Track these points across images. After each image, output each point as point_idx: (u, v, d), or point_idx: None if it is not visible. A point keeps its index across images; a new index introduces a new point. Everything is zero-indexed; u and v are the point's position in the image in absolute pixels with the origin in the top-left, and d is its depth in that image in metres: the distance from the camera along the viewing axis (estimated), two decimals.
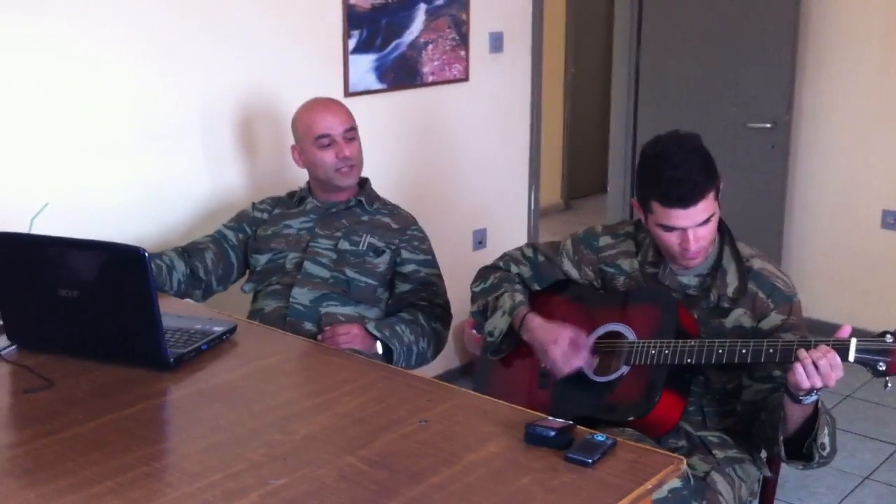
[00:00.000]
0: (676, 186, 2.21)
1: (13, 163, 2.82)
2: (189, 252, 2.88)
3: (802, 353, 1.96)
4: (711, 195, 2.22)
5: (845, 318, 2.30)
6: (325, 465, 1.70)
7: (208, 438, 1.81)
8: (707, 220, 2.23)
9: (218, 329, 2.29)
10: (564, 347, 2.33)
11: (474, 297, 2.61)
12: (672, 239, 2.26)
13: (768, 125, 4.63)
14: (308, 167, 2.90)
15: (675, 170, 2.21)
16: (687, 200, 2.20)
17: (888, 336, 1.96)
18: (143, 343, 2.10)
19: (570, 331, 2.34)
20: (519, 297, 2.48)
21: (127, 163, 3.05)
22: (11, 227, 2.39)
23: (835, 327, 2.01)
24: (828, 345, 1.97)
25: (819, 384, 1.93)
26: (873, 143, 4.54)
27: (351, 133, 2.87)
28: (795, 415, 2.06)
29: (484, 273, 2.64)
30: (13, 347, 2.21)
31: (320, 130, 2.84)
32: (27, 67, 2.79)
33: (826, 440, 2.09)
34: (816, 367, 1.94)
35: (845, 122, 4.60)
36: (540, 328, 2.39)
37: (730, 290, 2.29)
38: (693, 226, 2.22)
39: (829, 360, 1.93)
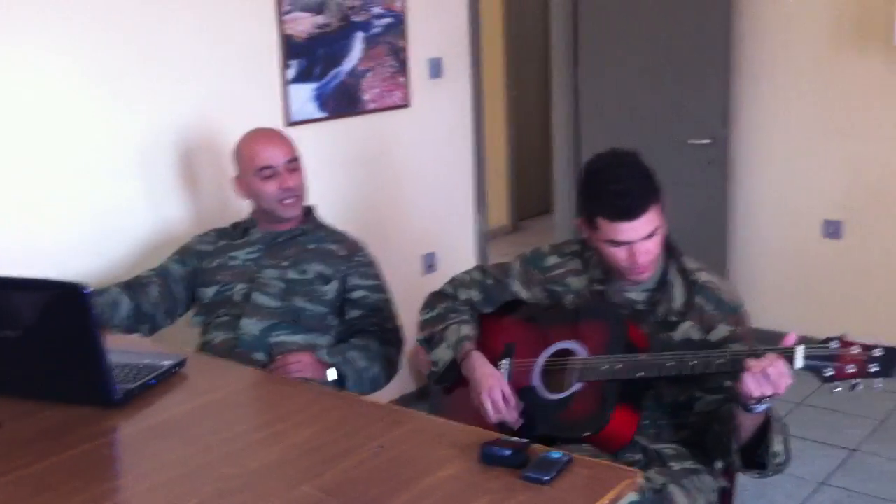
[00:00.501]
0: (621, 199, 2.23)
1: None
2: (133, 287, 2.84)
3: (750, 362, 1.98)
4: (655, 208, 2.24)
5: (791, 326, 2.32)
6: (280, 496, 1.68)
7: (159, 475, 1.78)
8: (652, 234, 2.24)
9: (167, 363, 2.26)
10: (497, 399, 2.34)
11: (422, 325, 2.61)
12: (620, 254, 2.28)
13: (707, 141, 4.69)
14: (252, 198, 2.88)
15: (617, 183, 2.23)
16: (632, 213, 2.22)
17: (833, 342, 1.99)
18: (90, 381, 2.06)
19: (504, 386, 2.36)
20: (465, 329, 2.48)
21: (68, 198, 3.01)
22: None
23: (781, 335, 2.03)
24: (775, 353, 1.99)
25: (769, 391, 1.95)
26: (811, 154, 4.62)
27: (293, 164, 2.85)
28: (747, 424, 2.08)
29: (432, 300, 2.63)
30: None
31: (263, 162, 2.82)
32: None
33: (779, 448, 2.11)
34: (766, 375, 1.96)
35: (783, 135, 4.69)
36: (478, 370, 2.40)
37: (677, 304, 2.31)
38: (639, 238, 2.24)
39: (777, 367, 1.95)
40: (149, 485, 1.74)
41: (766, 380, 1.95)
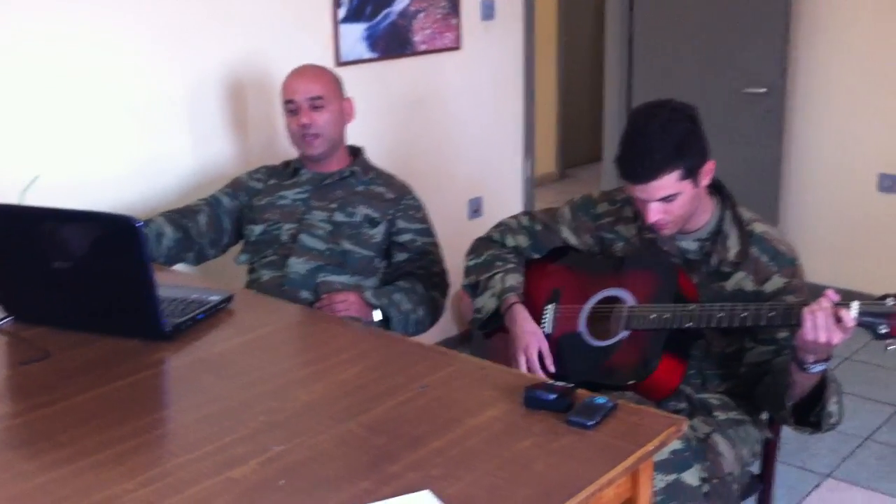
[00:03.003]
0: (629, 161, 2.18)
1: (4, 136, 2.79)
2: (182, 214, 2.85)
3: (811, 306, 1.94)
4: (673, 175, 2.15)
5: (843, 282, 2.29)
6: (324, 431, 1.69)
7: (207, 407, 1.80)
8: (668, 198, 2.18)
9: (214, 298, 2.27)
10: (531, 357, 2.35)
11: (467, 271, 2.60)
12: (638, 206, 2.25)
13: (763, 90, 4.60)
14: (291, 141, 2.88)
15: (633, 143, 2.18)
16: (638, 177, 2.17)
17: (889, 299, 1.95)
18: (139, 313, 2.08)
19: (539, 345, 2.35)
20: (510, 280, 2.47)
21: (118, 134, 3.03)
22: (3, 199, 2.37)
23: (836, 292, 1.98)
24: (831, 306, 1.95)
25: (824, 338, 1.91)
26: (869, 106, 4.52)
27: (318, 102, 2.78)
28: (803, 383, 2.05)
29: (478, 246, 2.62)
30: (9, 319, 2.20)
31: (286, 95, 2.81)
32: (16, 42, 2.76)
33: (834, 408, 2.08)
34: (825, 319, 1.91)
35: (840, 86, 4.58)
36: (519, 325, 2.39)
37: (731, 255, 2.27)
38: (649, 200, 2.19)
39: (837, 311, 1.91)
40: (196, 416, 1.76)
41: (825, 324, 1.91)
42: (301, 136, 2.79)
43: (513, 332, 2.40)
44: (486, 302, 2.49)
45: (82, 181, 2.94)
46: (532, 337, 2.37)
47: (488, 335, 2.55)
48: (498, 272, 2.49)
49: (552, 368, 2.35)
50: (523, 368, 2.34)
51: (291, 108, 2.79)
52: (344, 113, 2.87)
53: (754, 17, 4.58)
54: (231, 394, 1.85)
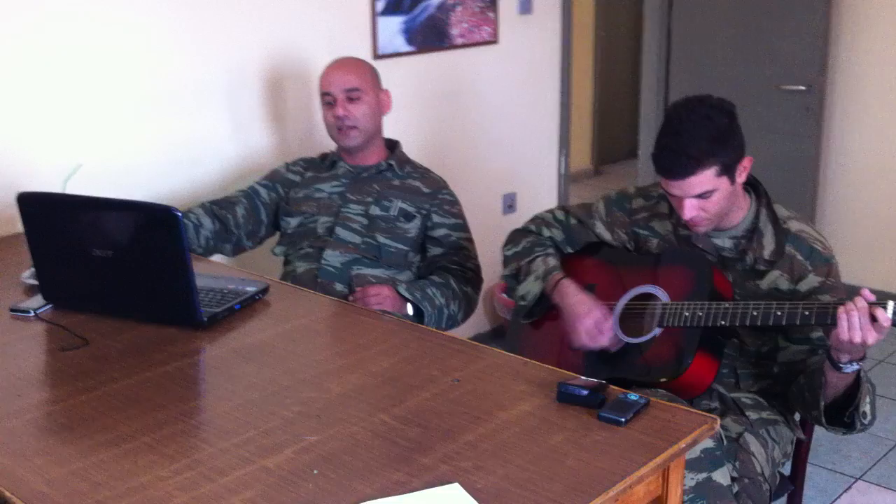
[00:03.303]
0: (664, 156, 2.17)
1: (47, 124, 2.84)
2: (221, 205, 2.88)
3: (847, 305, 1.93)
4: (709, 171, 2.14)
5: (879, 282, 2.27)
6: (359, 422, 1.70)
7: (242, 396, 1.82)
8: (704, 195, 2.17)
9: (251, 289, 2.30)
10: (590, 326, 2.32)
11: (506, 261, 2.60)
12: (673, 202, 2.24)
13: (802, 87, 4.56)
14: (328, 132, 2.90)
15: (670, 139, 2.17)
16: (674, 173, 2.16)
17: None
18: (177, 302, 2.11)
19: (599, 310, 2.33)
20: (552, 261, 2.47)
21: (159, 123, 3.06)
22: (46, 188, 2.40)
23: (874, 293, 1.98)
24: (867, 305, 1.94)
25: (858, 338, 1.91)
26: None
27: (354, 93, 2.79)
28: (836, 383, 2.04)
29: (515, 236, 2.63)
30: (49, 307, 2.23)
31: (323, 87, 2.83)
32: (59, 31, 2.80)
33: (867, 408, 2.07)
34: (861, 319, 1.90)
35: (880, 84, 4.53)
36: (573, 297, 2.37)
37: (766, 253, 2.26)
38: (685, 196, 2.18)
39: (873, 310, 1.90)
40: (232, 404, 1.78)
41: (859, 324, 1.90)
42: (337, 127, 2.80)
43: (567, 306, 2.38)
44: (531, 286, 2.48)
45: (124, 170, 2.98)
46: (588, 306, 2.34)
47: (536, 324, 2.54)
48: (538, 255, 2.49)
49: (611, 336, 2.33)
50: (585, 337, 2.32)
51: (328, 99, 2.81)
52: (381, 105, 2.88)
53: (794, 13, 4.54)
54: (266, 384, 1.87)
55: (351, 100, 2.79)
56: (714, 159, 2.14)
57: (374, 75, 2.89)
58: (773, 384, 2.29)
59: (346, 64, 2.87)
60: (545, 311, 2.49)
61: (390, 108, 2.93)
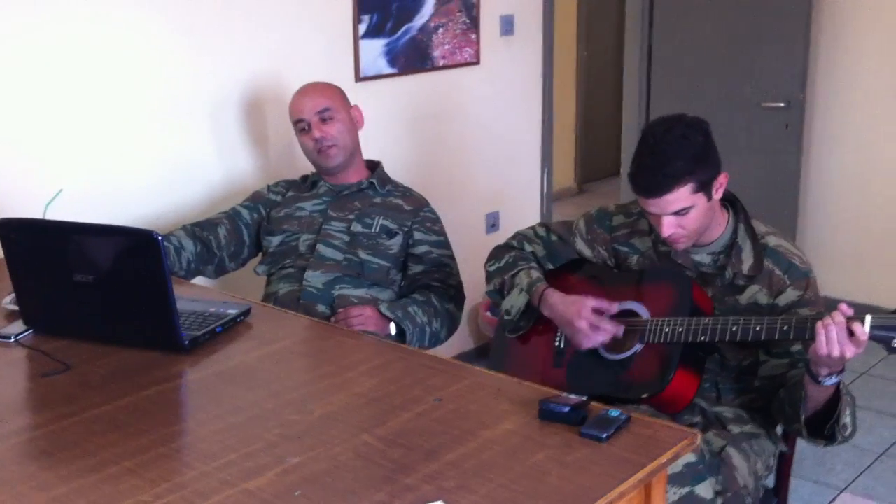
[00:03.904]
0: (642, 175, 2.19)
1: (27, 149, 2.84)
2: (202, 227, 2.89)
3: (825, 320, 1.94)
4: (686, 188, 2.16)
5: (860, 295, 2.29)
6: (341, 443, 1.70)
7: (225, 419, 1.82)
8: (681, 212, 2.19)
9: (232, 311, 2.30)
10: (590, 319, 2.31)
11: (489, 277, 2.61)
12: (652, 220, 2.26)
13: (782, 104, 4.60)
14: (308, 158, 2.91)
15: (646, 157, 2.19)
16: (651, 191, 2.18)
17: None
18: (159, 326, 2.10)
19: (592, 301, 2.33)
20: (535, 273, 2.48)
21: (139, 147, 3.07)
22: (26, 214, 2.40)
23: (850, 306, 1.99)
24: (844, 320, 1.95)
25: (837, 353, 1.92)
26: (889, 120, 4.51)
27: (326, 113, 2.82)
28: (817, 396, 2.06)
29: (498, 252, 2.64)
30: (29, 332, 2.22)
31: (295, 116, 2.86)
32: (40, 53, 2.80)
33: (848, 420, 2.09)
34: (838, 334, 1.92)
35: (860, 100, 4.58)
36: (561, 303, 2.38)
37: (745, 268, 2.28)
38: (663, 213, 2.20)
39: (850, 326, 1.92)
40: (216, 427, 1.78)
41: (837, 339, 1.92)
42: (317, 150, 2.82)
43: (557, 313, 2.38)
44: (516, 300, 2.48)
45: (105, 195, 2.98)
46: (579, 304, 2.33)
47: (518, 339, 2.54)
48: (521, 269, 2.50)
49: (614, 310, 2.32)
50: (587, 334, 2.30)
51: (302, 126, 2.84)
52: (354, 121, 2.91)
53: (773, 32, 4.58)
54: (248, 406, 1.87)
55: (324, 120, 2.82)
56: (690, 177, 2.16)
57: (341, 94, 2.92)
58: (754, 398, 2.30)
59: (312, 88, 2.90)
60: (531, 324, 2.50)
61: (363, 124, 2.96)
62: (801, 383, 2.06)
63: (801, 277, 2.25)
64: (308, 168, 3.06)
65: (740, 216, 2.33)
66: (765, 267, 2.26)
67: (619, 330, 2.31)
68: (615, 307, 2.34)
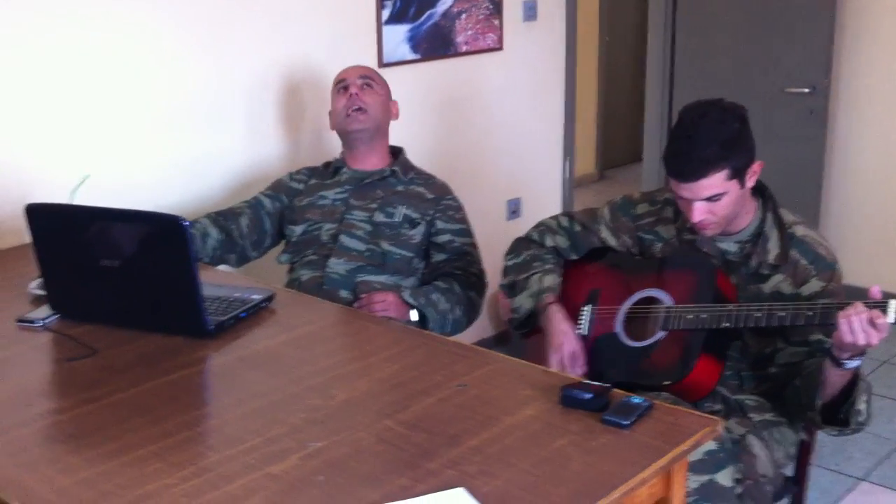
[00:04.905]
0: (677, 159, 2.19)
1: (55, 135, 2.86)
2: (225, 216, 2.90)
3: (846, 310, 1.94)
4: (720, 175, 2.16)
5: (884, 283, 2.27)
6: (364, 428, 1.72)
7: (248, 404, 1.83)
8: (713, 198, 2.19)
9: (256, 297, 2.31)
10: (560, 359, 2.36)
11: (506, 271, 2.62)
12: (684, 206, 2.25)
13: (806, 90, 4.57)
14: (334, 125, 2.93)
15: (682, 142, 2.19)
16: (685, 175, 2.17)
17: None
18: (184, 311, 2.12)
19: (573, 345, 2.37)
20: (547, 280, 2.48)
21: (166, 134, 3.08)
22: (53, 199, 2.42)
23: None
24: (867, 306, 1.95)
25: (862, 341, 1.92)
26: None
27: (367, 81, 2.89)
28: (835, 381, 2.05)
29: (517, 246, 2.64)
30: (56, 317, 2.24)
31: (339, 77, 2.92)
32: (68, 38, 2.82)
33: (863, 406, 2.08)
34: (862, 323, 1.91)
35: (885, 87, 4.53)
36: (553, 326, 2.41)
37: (771, 257, 2.27)
38: (695, 199, 2.19)
39: (872, 315, 1.92)
40: (240, 412, 1.80)
41: (861, 328, 1.91)
42: (346, 111, 2.85)
43: (547, 333, 2.42)
44: (524, 302, 2.50)
45: (132, 181, 3.00)
46: (565, 337, 2.38)
47: (526, 335, 2.56)
48: (536, 272, 2.51)
49: (582, 370, 2.36)
50: (556, 368, 2.35)
51: (342, 85, 2.89)
52: (389, 107, 2.95)
53: (798, 17, 4.54)
54: (272, 391, 1.88)
55: (362, 86, 2.88)
56: (725, 163, 2.16)
57: (386, 83, 2.98)
58: (774, 386, 2.29)
59: (361, 65, 2.99)
60: (534, 326, 2.51)
61: (397, 117, 2.98)
62: (819, 370, 2.06)
63: (827, 269, 2.24)
64: (330, 155, 3.07)
65: (769, 205, 2.32)
66: (790, 257, 2.25)
67: (582, 372, 2.35)
68: (582, 367, 2.37)
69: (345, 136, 2.90)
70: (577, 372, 2.34)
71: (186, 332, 2.14)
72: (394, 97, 2.96)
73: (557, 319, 2.41)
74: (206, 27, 3.11)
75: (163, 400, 1.85)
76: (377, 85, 2.91)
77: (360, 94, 2.85)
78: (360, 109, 2.84)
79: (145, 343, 2.12)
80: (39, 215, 2.19)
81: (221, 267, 2.91)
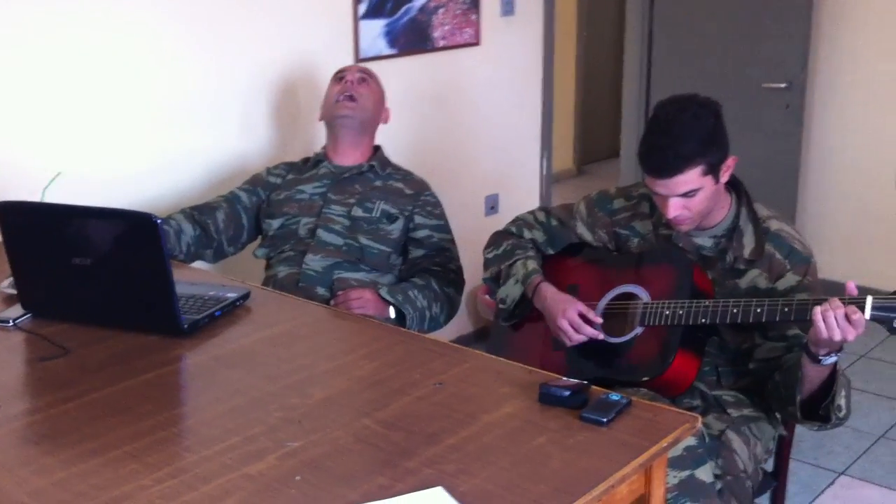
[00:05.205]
0: (651, 155, 2.19)
1: (26, 132, 2.82)
2: (200, 211, 2.88)
3: (823, 306, 1.95)
4: (696, 170, 2.16)
5: (860, 277, 2.28)
6: (342, 427, 1.70)
7: (225, 403, 1.81)
8: (689, 193, 2.19)
9: (231, 295, 2.29)
10: (573, 320, 2.33)
11: (487, 264, 2.61)
12: (658, 201, 2.25)
13: (783, 85, 4.58)
14: (323, 114, 2.93)
15: (657, 137, 2.19)
16: (661, 171, 2.17)
17: None
18: (158, 310, 2.10)
19: (580, 305, 2.34)
20: (532, 264, 2.47)
21: (139, 131, 3.05)
22: (25, 197, 2.39)
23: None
24: (843, 302, 1.96)
25: (838, 337, 1.92)
26: (889, 102, 4.49)
27: (363, 75, 2.93)
28: (813, 376, 2.06)
29: (496, 239, 2.63)
30: (27, 316, 2.21)
31: (339, 69, 2.98)
32: (39, 36, 2.78)
33: (842, 402, 2.09)
34: (838, 319, 1.92)
35: (861, 81, 4.56)
36: (551, 298, 2.39)
37: (746, 252, 2.27)
38: (671, 195, 2.19)
39: (848, 311, 1.92)
40: (213, 413, 1.78)
41: (837, 325, 1.92)
42: (337, 98, 2.87)
43: (546, 308, 2.40)
44: (511, 290, 2.49)
45: (104, 178, 2.96)
46: (567, 302, 2.36)
47: (515, 326, 2.55)
48: (518, 259, 2.50)
49: (598, 321, 2.34)
50: (570, 334, 2.33)
51: (339, 76, 2.93)
52: (381, 108, 2.98)
53: (775, 12, 4.56)
54: (248, 390, 1.86)
55: (359, 80, 2.91)
56: (701, 159, 2.16)
57: (383, 89, 3.02)
58: (753, 382, 2.30)
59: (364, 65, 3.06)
60: (525, 313, 2.50)
61: (387, 122, 3.01)
62: (798, 365, 2.06)
63: (802, 263, 2.24)
64: (304, 152, 3.05)
65: (743, 200, 2.32)
66: (766, 251, 2.26)
67: (598, 335, 2.32)
68: (602, 305, 2.34)
69: (331, 123, 2.89)
70: (595, 324, 2.32)
71: (160, 330, 2.11)
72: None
73: (552, 292, 2.40)
74: (176, 25, 3.08)
75: (137, 400, 1.83)
76: (374, 83, 2.95)
77: (354, 84, 2.87)
78: (351, 97, 2.86)
79: (119, 342, 2.09)
80: (10, 213, 2.16)
81: (197, 263, 2.88)
